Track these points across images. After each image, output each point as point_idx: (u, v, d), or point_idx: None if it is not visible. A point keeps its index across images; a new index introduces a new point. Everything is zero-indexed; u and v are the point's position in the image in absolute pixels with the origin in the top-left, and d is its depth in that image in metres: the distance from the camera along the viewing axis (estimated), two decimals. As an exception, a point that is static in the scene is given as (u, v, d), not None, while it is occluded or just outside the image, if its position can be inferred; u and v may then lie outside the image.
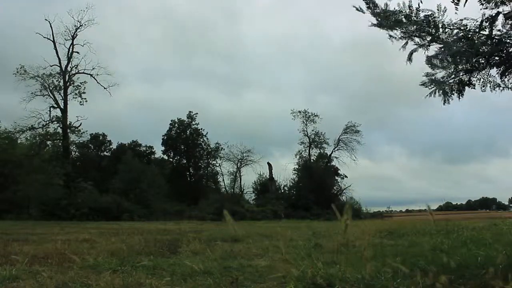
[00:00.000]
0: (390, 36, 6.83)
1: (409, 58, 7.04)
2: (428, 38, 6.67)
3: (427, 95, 7.39)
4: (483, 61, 6.67)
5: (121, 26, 78.67)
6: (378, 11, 6.57)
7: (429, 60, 7.11)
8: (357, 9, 6.71)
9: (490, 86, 7.09)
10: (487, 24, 5.46)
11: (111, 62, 79.73)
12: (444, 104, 7.37)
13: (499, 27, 6.17)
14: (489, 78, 6.99)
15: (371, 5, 6.62)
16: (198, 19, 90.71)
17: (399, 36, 6.79)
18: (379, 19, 6.64)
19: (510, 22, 5.53)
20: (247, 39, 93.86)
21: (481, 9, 5.63)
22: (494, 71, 6.89)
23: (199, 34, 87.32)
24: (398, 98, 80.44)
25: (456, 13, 5.24)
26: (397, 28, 6.66)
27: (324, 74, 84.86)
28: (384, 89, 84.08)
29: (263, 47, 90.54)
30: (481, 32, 6.23)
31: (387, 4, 6.47)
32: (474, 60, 6.62)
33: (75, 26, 37.66)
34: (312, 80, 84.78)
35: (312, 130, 48.59)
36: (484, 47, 6.37)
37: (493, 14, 5.21)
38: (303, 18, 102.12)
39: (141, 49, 79.55)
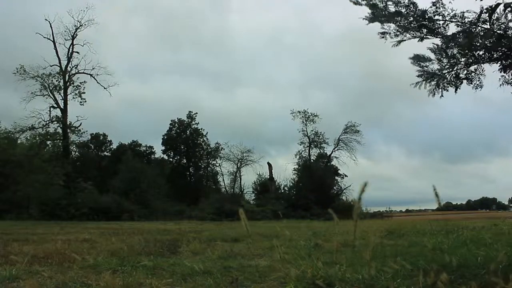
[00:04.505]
0: (384, 33, 6.77)
1: (398, 43, 6.97)
2: (425, 31, 6.63)
3: (414, 84, 7.33)
4: (483, 55, 6.62)
5: (103, 17, 75.57)
6: (375, 2, 6.52)
7: (417, 57, 7.06)
8: (354, 3, 6.66)
9: (476, 83, 7.05)
10: (487, 15, 5.42)
11: (96, 56, 77.35)
12: (431, 96, 7.31)
13: (501, 19, 6.12)
14: (480, 76, 6.97)
15: None
16: (184, 10, 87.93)
17: (394, 31, 6.74)
18: (375, 11, 6.58)
19: (510, 12, 5.48)
20: (236, 30, 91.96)
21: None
22: (491, 67, 6.86)
23: (186, 26, 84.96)
24: (396, 95, 79.27)
25: (450, 2, 5.20)
26: (393, 22, 6.61)
27: (317, 68, 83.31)
28: (381, 85, 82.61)
29: (253, 39, 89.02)
30: (482, 25, 6.19)
31: None
32: (474, 54, 6.58)
33: (75, 26, 37.79)
34: (306, 75, 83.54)
35: (312, 130, 48.66)
36: (484, 41, 6.32)
37: (493, 5, 5.16)
38: (292, 7, 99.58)
39: (125, 43, 76.60)
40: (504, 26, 6.14)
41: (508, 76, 6.71)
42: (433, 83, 7.17)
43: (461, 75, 7.03)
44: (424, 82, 7.21)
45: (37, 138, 36.98)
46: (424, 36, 6.70)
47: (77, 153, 48.41)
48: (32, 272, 5.40)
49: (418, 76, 7.25)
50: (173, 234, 13.65)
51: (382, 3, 6.46)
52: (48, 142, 38.80)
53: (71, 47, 37.81)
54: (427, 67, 7.15)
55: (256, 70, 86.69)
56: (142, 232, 13.74)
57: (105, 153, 53.36)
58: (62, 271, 5.42)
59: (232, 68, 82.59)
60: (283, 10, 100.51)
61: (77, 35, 37.83)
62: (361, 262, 4.15)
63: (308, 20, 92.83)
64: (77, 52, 37.94)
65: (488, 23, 6.05)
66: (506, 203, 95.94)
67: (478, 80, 7.02)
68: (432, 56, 7.03)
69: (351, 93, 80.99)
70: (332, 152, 48.63)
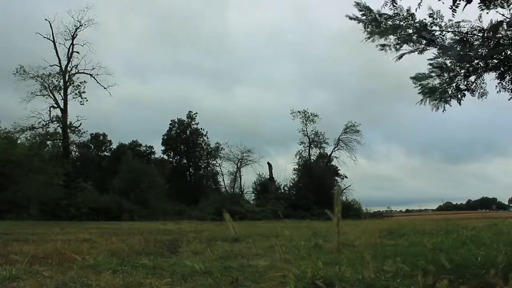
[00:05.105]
0: (383, 45, 6.79)
1: (399, 58, 7.02)
2: (424, 42, 6.66)
3: (418, 103, 7.41)
4: (481, 64, 6.65)
5: (103, 17, 75.24)
6: (373, 17, 6.53)
7: (417, 77, 7.11)
8: (350, 18, 6.66)
9: (478, 93, 7.10)
10: (490, 34, 5.45)
11: (96, 56, 76.11)
12: (435, 110, 7.40)
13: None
14: (482, 84, 7.00)
15: (365, 11, 6.57)
16: (184, 9, 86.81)
17: (394, 43, 6.76)
18: (374, 27, 6.60)
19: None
20: (235, 30, 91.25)
21: (480, 13, 5.61)
22: (489, 75, 6.88)
23: (185, 25, 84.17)
24: (396, 95, 78.70)
25: (453, 17, 5.24)
26: (393, 34, 6.62)
27: (317, 68, 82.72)
28: (381, 85, 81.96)
29: (252, 38, 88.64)
30: (478, 34, 6.21)
31: (380, 11, 6.46)
32: (472, 63, 6.61)
33: (75, 26, 37.73)
34: (305, 75, 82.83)
35: (312, 130, 48.64)
36: (482, 50, 6.35)
37: (496, 22, 5.19)
38: (292, 6, 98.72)
39: (125, 42, 75.72)
40: (499, 36, 6.16)
41: (506, 83, 6.74)
42: (435, 98, 7.22)
43: (461, 87, 7.06)
44: (427, 99, 7.25)
45: (37, 138, 36.95)
46: (424, 48, 6.73)
47: (77, 153, 48.37)
48: (32, 272, 5.40)
49: (419, 93, 7.29)
50: (173, 234, 13.65)
51: (381, 18, 6.44)
52: (48, 142, 38.82)
53: (71, 47, 37.79)
54: (428, 84, 7.20)
55: (256, 70, 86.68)
56: (142, 232, 13.74)
57: (105, 153, 53.36)
58: (62, 271, 5.42)
59: (231, 67, 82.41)
60: (282, 9, 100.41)
61: (77, 35, 37.83)
62: (361, 262, 4.15)
63: (308, 19, 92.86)
64: (77, 52, 37.93)
65: (492, 41, 6.06)
66: (506, 203, 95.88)
67: (481, 89, 7.06)
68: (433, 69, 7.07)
69: (351, 93, 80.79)
70: (332, 152, 48.68)
